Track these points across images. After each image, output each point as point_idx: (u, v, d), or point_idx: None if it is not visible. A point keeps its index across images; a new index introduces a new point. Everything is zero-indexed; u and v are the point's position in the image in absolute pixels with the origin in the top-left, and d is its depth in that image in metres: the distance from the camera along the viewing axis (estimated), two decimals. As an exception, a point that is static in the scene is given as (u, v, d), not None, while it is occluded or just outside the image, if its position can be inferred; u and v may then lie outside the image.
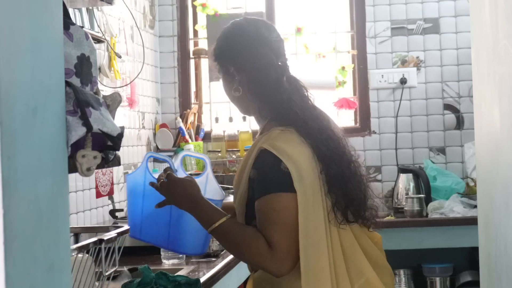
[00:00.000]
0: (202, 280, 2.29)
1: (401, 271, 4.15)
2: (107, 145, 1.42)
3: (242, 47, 2.01)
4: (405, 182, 4.12)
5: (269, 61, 1.99)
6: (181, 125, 4.35)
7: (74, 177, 2.90)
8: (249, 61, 2.00)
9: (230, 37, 2.04)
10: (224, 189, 3.10)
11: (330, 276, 1.86)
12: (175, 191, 1.98)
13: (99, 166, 1.41)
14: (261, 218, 1.87)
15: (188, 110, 4.46)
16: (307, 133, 1.92)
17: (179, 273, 2.39)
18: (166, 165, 2.10)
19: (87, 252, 1.78)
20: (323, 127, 1.94)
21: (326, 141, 1.91)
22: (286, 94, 1.97)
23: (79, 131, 1.31)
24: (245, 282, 3.47)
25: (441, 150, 4.36)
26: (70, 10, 2.91)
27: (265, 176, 1.88)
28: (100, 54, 3.39)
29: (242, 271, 2.95)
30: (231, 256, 2.70)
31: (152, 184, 2.04)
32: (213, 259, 2.68)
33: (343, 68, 4.42)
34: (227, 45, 2.04)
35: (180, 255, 2.64)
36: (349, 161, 1.95)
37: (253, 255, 1.87)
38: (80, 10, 3.08)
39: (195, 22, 4.65)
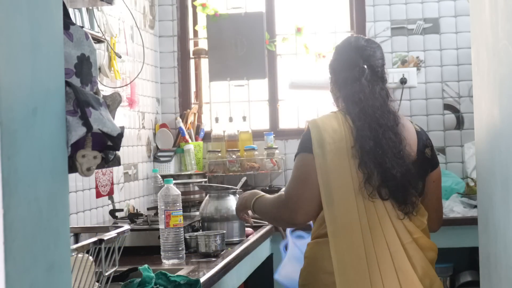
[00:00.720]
0: (202, 280, 2.28)
1: (401, 271, 4.14)
2: (107, 145, 1.42)
3: (338, 52, 2.45)
4: (405, 182, 4.11)
5: (355, 62, 2.36)
6: (181, 125, 4.35)
7: (74, 177, 2.90)
8: (339, 62, 2.41)
9: (336, 46, 2.49)
10: (224, 189, 3.11)
11: (361, 229, 2.16)
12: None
13: (99, 166, 1.41)
14: None
15: (188, 110, 4.45)
16: (350, 115, 2.28)
17: (179, 273, 2.39)
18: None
19: (87, 252, 1.78)
20: (373, 118, 2.25)
21: (364, 126, 2.23)
22: (357, 89, 2.30)
23: (79, 131, 1.31)
24: (245, 282, 3.47)
25: (441, 150, 4.36)
26: (70, 10, 2.91)
27: (300, 142, 2.33)
28: (100, 54, 3.39)
29: (242, 271, 2.95)
30: (231, 256, 2.71)
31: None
32: (213, 259, 2.68)
33: (343, 68, 4.41)
34: (333, 53, 2.48)
35: (180, 255, 2.65)
36: (393, 150, 2.22)
37: (274, 205, 2.34)
38: (80, 10, 3.08)
39: (195, 22, 4.64)
